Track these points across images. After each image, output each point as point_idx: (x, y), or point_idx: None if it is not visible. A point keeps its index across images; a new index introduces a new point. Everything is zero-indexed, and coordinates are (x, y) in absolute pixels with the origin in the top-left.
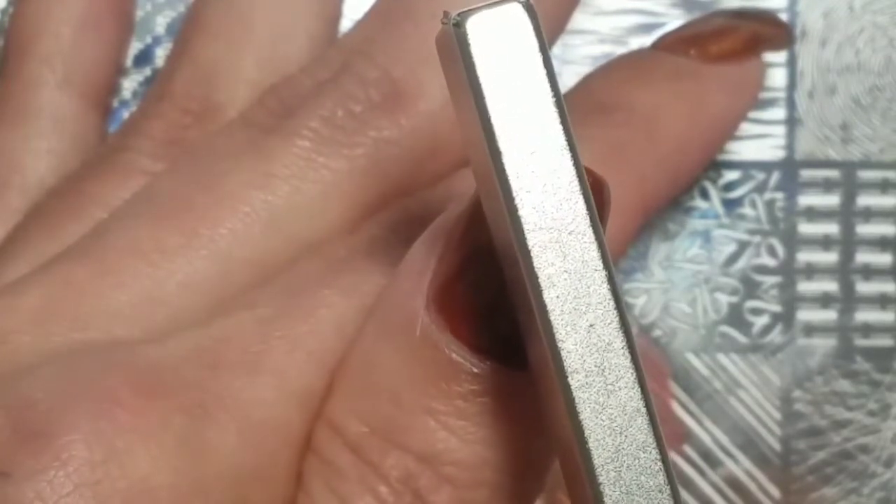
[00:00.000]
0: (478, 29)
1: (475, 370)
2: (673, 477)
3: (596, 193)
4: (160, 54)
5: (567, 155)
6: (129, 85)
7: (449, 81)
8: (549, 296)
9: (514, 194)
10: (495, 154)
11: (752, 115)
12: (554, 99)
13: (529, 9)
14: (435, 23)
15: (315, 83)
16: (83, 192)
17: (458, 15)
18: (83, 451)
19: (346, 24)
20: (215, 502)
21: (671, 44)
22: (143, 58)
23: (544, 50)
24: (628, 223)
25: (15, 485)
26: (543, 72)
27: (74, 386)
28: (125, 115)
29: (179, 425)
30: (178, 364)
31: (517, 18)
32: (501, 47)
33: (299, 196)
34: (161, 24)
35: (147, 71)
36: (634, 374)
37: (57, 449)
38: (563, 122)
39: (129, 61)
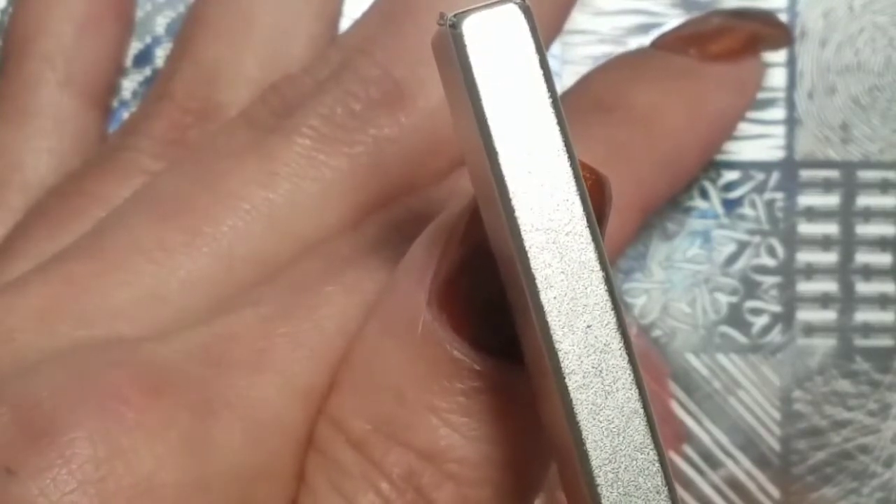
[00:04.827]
0: (474, 30)
1: (477, 367)
2: (671, 478)
3: (597, 191)
4: (160, 54)
5: (564, 156)
6: (129, 85)
7: (445, 83)
8: (547, 297)
9: (511, 195)
10: (492, 155)
11: (752, 115)
12: (550, 100)
13: (525, 10)
14: (435, 20)
15: (315, 82)
16: (84, 191)
17: (455, 16)
18: (87, 448)
19: (346, 23)
20: (219, 500)
21: (670, 42)
22: (143, 58)
23: (541, 51)
24: (627, 222)
25: (20, 483)
26: (540, 73)
27: (79, 384)
28: (125, 115)
29: (184, 423)
30: (182, 362)
31: (513, 19)
32: (498, 48)
33: (300, 194)
34: (161, 24)
35: (147, 71)
36: (632, 375)
37: (61, 446)
38: (560, 123)
39: (129, 61)
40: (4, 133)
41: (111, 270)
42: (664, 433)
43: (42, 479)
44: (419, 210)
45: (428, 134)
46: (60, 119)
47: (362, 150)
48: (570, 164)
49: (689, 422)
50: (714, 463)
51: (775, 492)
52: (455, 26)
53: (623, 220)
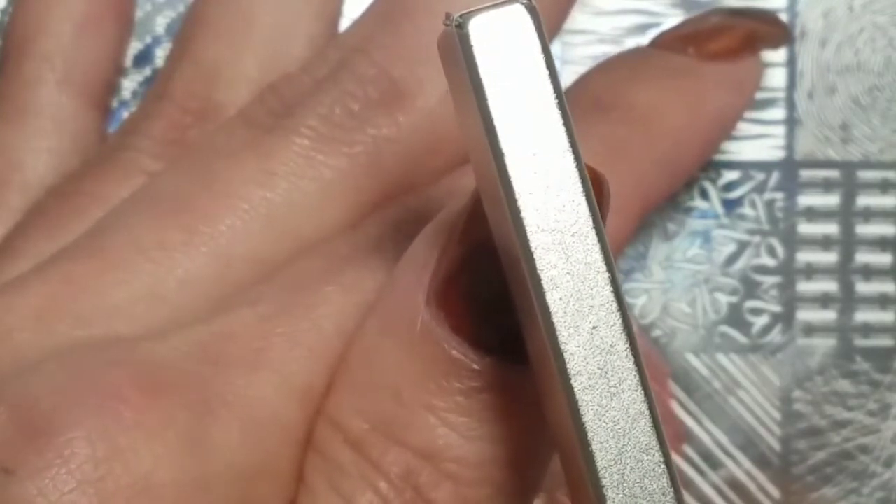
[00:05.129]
0: (480, 30)
1: (475, 366)
2: (676, 479)
3: (595, 190)
4: (160, 54)
5: (570, 156)
6: (129, 85)
7: (451, 83)
8: (552, 298)
9: (517, 196)
10: (498, 156)
11: (752, 115)
12: (556, 100)
13: (531, 10)
14: (433, 20)
15: (314, 81)
16: (84, 191)
17: (461, 16)
18: (86, 448)
19: (345, 24)
20: (218, 499)
21: (669, 41)
22: (143, 58)
23: (547, 51)
24: (627, 221)
25: (19, 482)
26: (546, 73)
27: (77, 383)
28: (125, 115)
29: (183, 422)
30: (180, 361)
31: (519, 19)
32: (504, 48)
33: (298, 193)
34: (161, 24)
35: (147, 71)
36: (637, 377)
37: (60, 446)
38: (566, 123)
39: (129, 61)
40: (4, 133)
41: (109, 270)
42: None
43: (41, 478)
44: (418, 209)
45: (426, 133)
46: (60, 119)
47: (361, 150)
48: (577, 165)
49: (689, 422)
50: (714, 463)
51: (775, 492)
52: (461, 26)
53: (622, 220)
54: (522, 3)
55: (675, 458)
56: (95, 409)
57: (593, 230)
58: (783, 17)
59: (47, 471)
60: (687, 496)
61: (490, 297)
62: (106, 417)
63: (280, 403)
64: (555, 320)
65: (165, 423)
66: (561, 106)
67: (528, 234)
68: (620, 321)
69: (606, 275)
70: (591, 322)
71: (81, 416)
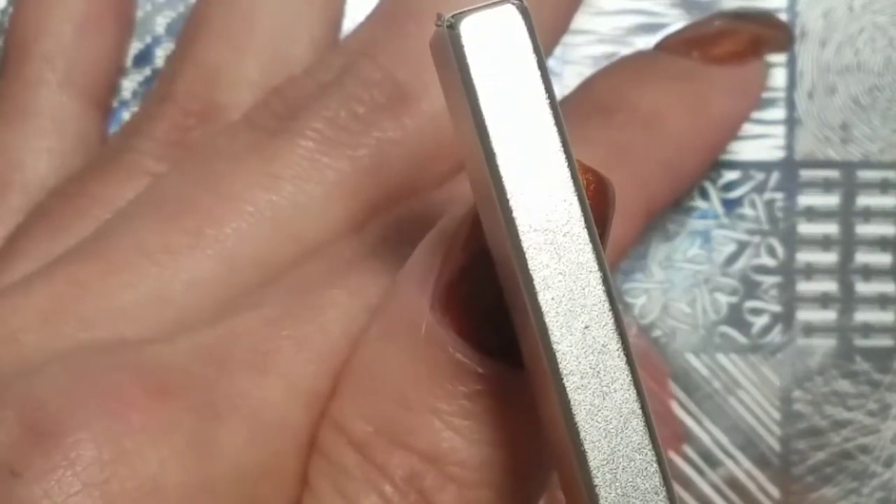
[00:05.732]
0: (472, 31)
1: (480, 370)
2: (669, 478)
3: (600, 193)
4: (160, 54)
5: (561, 156)
6: (129, 85)
7: (443, 83)
8: (544, 298)
9: (509, 196)
10: (490, 156)
11: (752, 115)
12: (548, 100)
13: (523, 10)
14: None
15: (318, 85)
16: (86, 192)
17: (452, 17)
18: (92, 450)
19: (347, 24)
20: (223, 501)
21: (673, 45)
22: (143, 58)
23: (538, 51)
24: (630, 225)
25: (25, 484)
26: (538, 73)
27: (82, 385)
28: (125, 115)
29: (188, 425)
30: (186, 363)
31: (511, 20)
32: (495, 49)
33: (303, 196)
34: (161, 24)
35: (147, 71)
36: (630, 376)
37: (65, 448)
38: (558, 123)
39: (129, 61)
40: (5, 134)
41: (115, 272)
42: (664, 433)
43: (47, 480)
44: (422, 213)
45: (432, 137)
46: (60, 119)
47: (366, 153)
48: (568, 165)
49: (689, 422)
50: (714, 463)
51: (775, 492)
52: (453, 27)
53: (626, 224)
54: (514, 4)
55: (675, 459)
56: (101, 412)
57: (585, 230)
58: (783, 17)
59: (53, 473)
60: (686, 496)
61: (493, 302)
62: (112, 420)
63: (286, 407)
64: (547, 320)
65: (171, 426)
66: (552, 106)
67: (520, 234)
68: (612, 321)
69: (598, 274)
70: (583, 322)
71: (87, 419)
